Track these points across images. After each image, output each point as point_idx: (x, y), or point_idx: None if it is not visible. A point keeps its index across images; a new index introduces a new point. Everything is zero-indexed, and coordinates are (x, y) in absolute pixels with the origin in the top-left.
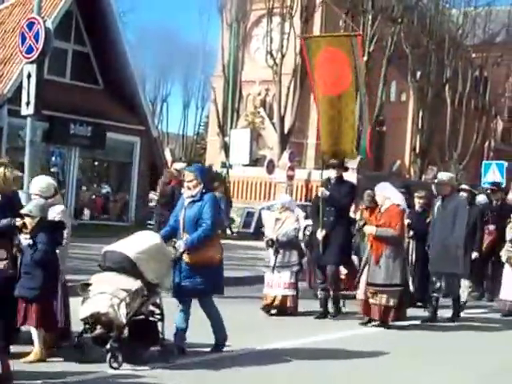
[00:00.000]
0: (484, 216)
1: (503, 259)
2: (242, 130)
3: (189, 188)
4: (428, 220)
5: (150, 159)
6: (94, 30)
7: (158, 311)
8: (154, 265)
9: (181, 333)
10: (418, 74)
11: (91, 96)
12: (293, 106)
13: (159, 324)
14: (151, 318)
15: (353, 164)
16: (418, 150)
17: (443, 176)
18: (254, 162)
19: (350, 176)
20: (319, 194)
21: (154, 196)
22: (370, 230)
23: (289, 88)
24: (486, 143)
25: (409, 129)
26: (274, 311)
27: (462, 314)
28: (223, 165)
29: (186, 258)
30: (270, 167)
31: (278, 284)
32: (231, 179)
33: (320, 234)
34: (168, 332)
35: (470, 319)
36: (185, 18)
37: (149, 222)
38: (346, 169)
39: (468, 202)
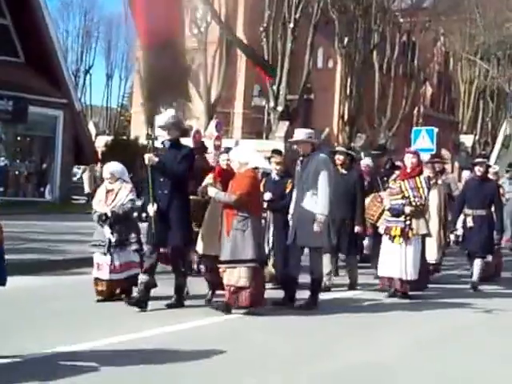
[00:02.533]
0: (373, 182)
1: (380, 230)
2: None
3: None
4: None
5: (73, 133)
6: (14, 0)
7: None
8: None
9: None
10: (346, 40)
11: (12, 69)
12: (219, 76)
13: None
14: None
15: (280, 132)
16: (346, 118)
17: (299, 132)
18: (183, 132)
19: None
20: (146, 162)
21: (77, 170)
22: (210, 191)
23: (214, 57)
24: (416, 109)
25: (337, 96)
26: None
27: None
28: (149, 137)
29: None
30: (197, 137)
31: (114, 266)
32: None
33: (151, 210)
34: None
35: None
36: None
37: (73, 197)
38: (184, 131)
39: (347, 167)
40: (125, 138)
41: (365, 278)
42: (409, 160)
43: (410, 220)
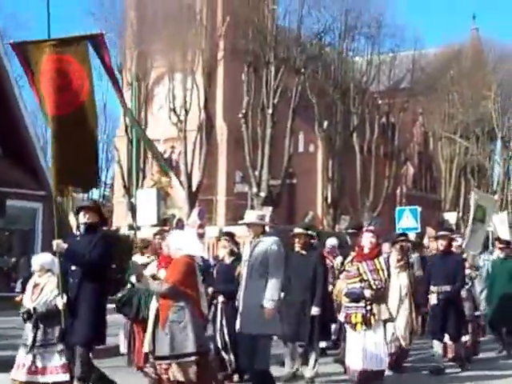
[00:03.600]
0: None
1: (340, 318)
2: (148, 190)
3: None
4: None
5: (53, 225)
6: None
7: None
8: None
9: None
10: (325, 123)
11: None
12: (200, 163)
13: None
14: None
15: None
16: (329, 201)
17: (250, 214)
18: (163, 222)
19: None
20: (54, 248)
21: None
22: (143, 281)
23: (195, 144)
24: (398, 189)
25: (319, 179)
26: None
27: None
28: (130, 227)
29: None
30: (179, 226)
31: (36, 368)
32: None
33: (60, 302)
34: None
35: None
36: None
37: None
38: (100, 213)
39: (307, 247)
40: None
41: (335, 367)
42: (367, 240)
43: (371, 305)
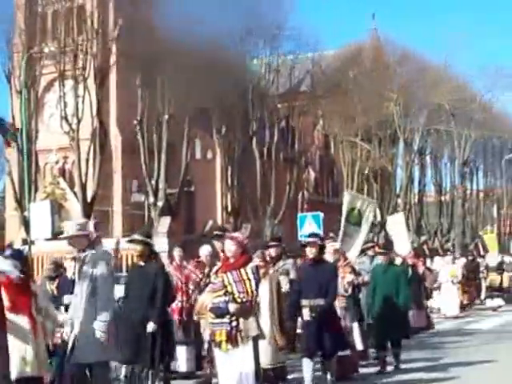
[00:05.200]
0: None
1: (205, 336)
2: (41, 203)
3: None
4: None
5: None
6: None
7: None
8: None
9: None
10: (223, 129)
11: None
12: (94, 173)
13: None
14: None
15: (162, 228)
16: (229, 208)
17: (68, 225)
18: (58, 235)
19: (161, 242)
20: None
21: None
22: None
23: (88, 153)
24: (300, 195)
25: (218, 187)
26: None
27: None
28: (24, 241)
29: None
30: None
31: None
32: (34, 256)
33: None
34: None
35: None
36: None
37: None
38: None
39: (145, 258)
40: None
41: None
42: (228, 247)
43: (237, 320)
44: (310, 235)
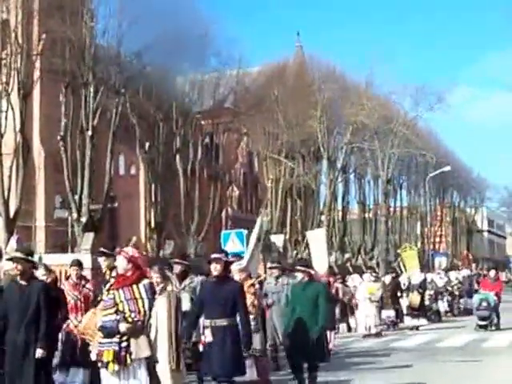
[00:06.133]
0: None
1: (92, 356)
2: None
3: None
4: None
5: None
6: None
7: None
8: None
9: None
10: (147, 145)
11: None
12: (17, 188)
13: None
14: None
15: (85, 244)
16: (153, 225)
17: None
18: None
19: (84, 257)
20: None
21: None
22: None
23: (11, 169)
24: (224, 212)
25: (142, 203)
26: None
27: None
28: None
29: None
30: None
31: None
32: None
33: None
34: None
35: None
36: None
37: None
38: None
39: (27, 277)
40: None
41: None
42: (119, 262)
43: (128, 341)
44: (214, 251)
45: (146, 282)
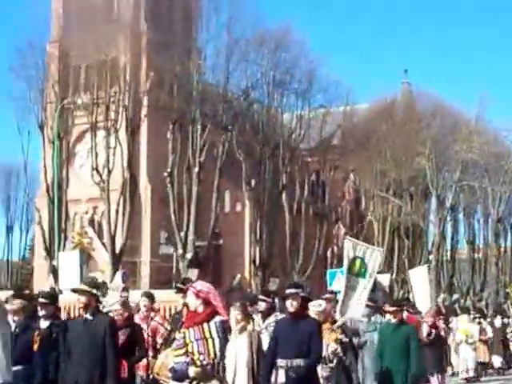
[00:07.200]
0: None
1: None
2: (70, 252)
3: None
4: None
5: None
6: None
7: None
8: None
9: None
10: (253, 182)
11: None
12: (123, 224)
13: None
14: None
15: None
16: (258, 262)
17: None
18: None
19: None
20: None
21: None
22: None
23: (118, 204)
24: (329, 250)
25: (247, 240)
26: None
27: None
28: (52, 290)
29: None
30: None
31: None
32: (61, 305)
33: None
34: None
35: None
36: (2, 135)
37: None
38: None
39: (93, 311)
40: (27, 291)
41: None
42: (188, 299)
43: None
44: (290, 286)
45: (217, 319)
